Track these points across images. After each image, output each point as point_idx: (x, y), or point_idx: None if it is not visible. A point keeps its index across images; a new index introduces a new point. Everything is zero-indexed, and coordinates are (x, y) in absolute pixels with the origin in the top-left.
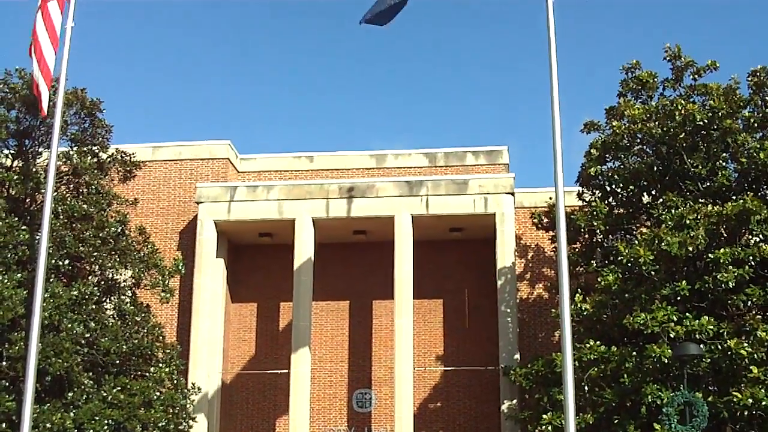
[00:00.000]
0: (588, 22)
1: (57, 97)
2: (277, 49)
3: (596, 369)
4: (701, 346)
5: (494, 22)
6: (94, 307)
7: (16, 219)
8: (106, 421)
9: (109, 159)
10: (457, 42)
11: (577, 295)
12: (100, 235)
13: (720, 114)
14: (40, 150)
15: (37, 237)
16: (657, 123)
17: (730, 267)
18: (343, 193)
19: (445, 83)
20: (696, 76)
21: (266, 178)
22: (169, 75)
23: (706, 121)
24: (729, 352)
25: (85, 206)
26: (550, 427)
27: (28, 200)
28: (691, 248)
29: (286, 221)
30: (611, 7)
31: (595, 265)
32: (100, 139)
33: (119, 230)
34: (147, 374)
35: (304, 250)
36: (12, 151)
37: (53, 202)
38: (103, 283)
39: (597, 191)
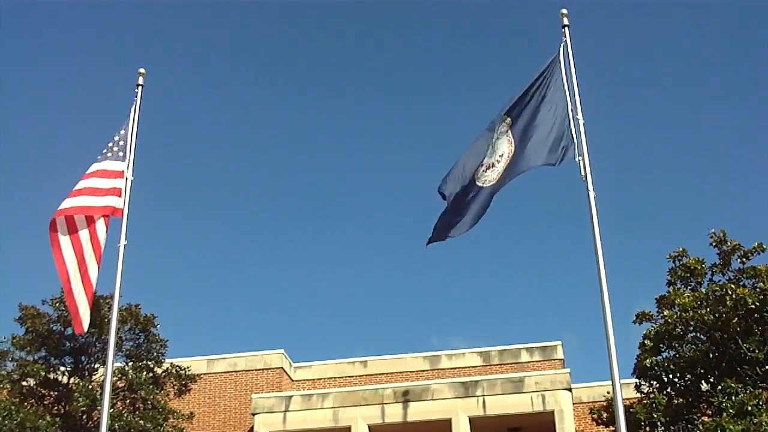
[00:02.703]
0: (631, 210)
1: (112, 315)
2: (326, 255)
3: None
4: None
5: (541, 218)
6: None
7: None
8: None
9: (164, 373)
10: (505, 238)
11: None
12: None
13: None
14: (96, 366)
15: None
16: (708, 309)
17: None
18: (398, 397)
19: (497, 280)
20: (743, 259)
21: (321, 385)
22: (221, 287)
23: (757, 304)
24: None
25: (141, 422)
26: None
27: (84, 417)
28: None
29: (342, 429)
30: (653, 194)
31: None
32: (155, 353)
33: None
34: None
35: None
36: (68, 368)
37: (110, 419)
38: None
39: (654, 382)
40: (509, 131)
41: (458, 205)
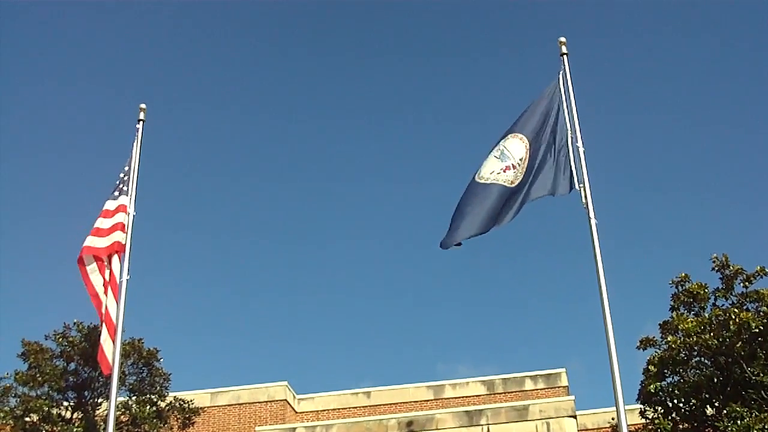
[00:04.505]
0: (637, 234)
1: (115, 349)
2: (329, 285)
3: None
4: None
5: (546, 244)
6: None
7: None
8: None
9: (167, 407)
10: (512, 264)
11: None
12: None
13: None
14: (99, 401)
15: None
16: (712, 334)
17: None
18: (402, 427)
19: (503, 307)
20: (746, 283)
21: (324, 417)
22: (224, 320)
23: (761, 327)
24: None
25: None
26: None
27: None
28: None
29: None
30: (658, 219)
31: None
32: (159, 387)
33: None
34: None
35: None
36: (71, 403)
37: None
38: None
39: (659, 407)
40: (527, 145)
41: (471, 208)
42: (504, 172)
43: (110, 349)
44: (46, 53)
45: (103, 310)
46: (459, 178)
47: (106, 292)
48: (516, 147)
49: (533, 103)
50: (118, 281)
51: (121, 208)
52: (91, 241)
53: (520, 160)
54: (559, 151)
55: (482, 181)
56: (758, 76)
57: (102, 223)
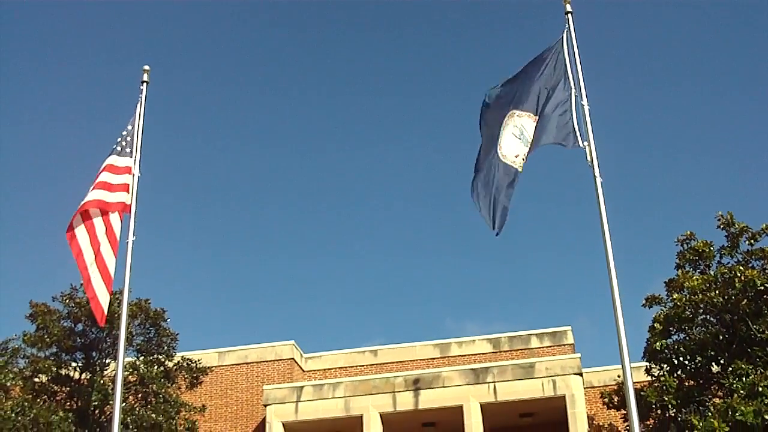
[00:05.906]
0: (640, 195)
1: (121, 310)
2: (336, 245)
3: None
4: None
5: (549, 201)
6: None
7: None
8: None
9: (175, 367)
10: (519, 222)
11: None
12: None
13: None
14: (107, 361)
15: None
16: (717, 292)
17: None
18: (409, 385)
19: (508, 264)
20: (752, 241)
21: (332, 375)
22: (230, 280)
23: (767, 285)
24: None
25: (153, 415)
26: None
27: (96, 412)
28: (766, 416)
29: (353, 418)
30: (664, 177)
31: None
32: (166, 347)
33: None
34: None
35: None
36: (80, 364)
37: (122, 413)
38: None
39: (665, 365)
40: (529, 115)
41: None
42: (524, 159)
43: (105, 300)
44: (47, 15)
45: (91, 267)
46: (460, 137)
47: (99, 249)
48: (528, 125)
49: (537, 60)
50: (117, 238)
51: (126, 170)
52: (99, 195)
53: (531, 141)
54: (564, 112)
55: (508, 162)
56: None
57: (110, 178)
